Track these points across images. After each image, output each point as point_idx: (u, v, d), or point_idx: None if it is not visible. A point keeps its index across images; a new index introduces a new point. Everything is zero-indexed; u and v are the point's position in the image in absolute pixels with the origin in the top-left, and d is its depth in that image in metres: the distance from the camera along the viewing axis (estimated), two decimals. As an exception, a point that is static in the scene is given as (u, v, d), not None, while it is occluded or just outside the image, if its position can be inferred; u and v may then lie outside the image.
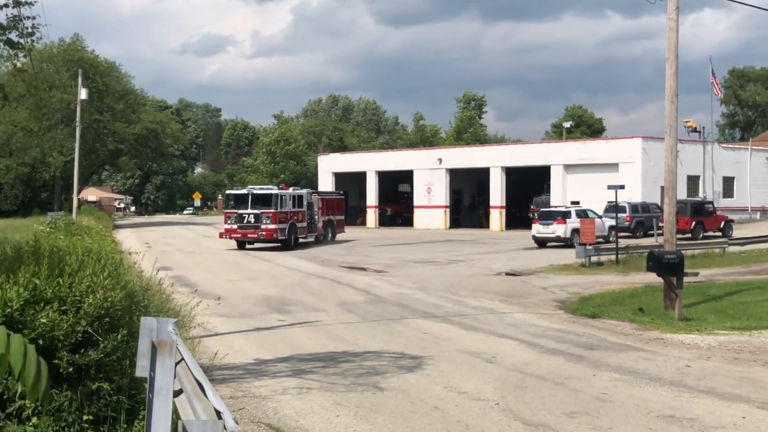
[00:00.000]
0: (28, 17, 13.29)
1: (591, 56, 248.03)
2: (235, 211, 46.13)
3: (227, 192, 51.83)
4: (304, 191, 50.55)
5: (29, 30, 13.23)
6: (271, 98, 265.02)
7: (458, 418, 10.73)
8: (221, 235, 46.23)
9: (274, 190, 47.65)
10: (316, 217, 49.74)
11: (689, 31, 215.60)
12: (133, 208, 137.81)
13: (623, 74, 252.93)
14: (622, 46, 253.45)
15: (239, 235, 45.36)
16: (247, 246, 45.83)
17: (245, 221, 45.09)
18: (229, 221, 46.20)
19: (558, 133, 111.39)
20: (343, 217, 55.14)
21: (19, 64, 15.22)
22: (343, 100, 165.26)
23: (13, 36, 13.19)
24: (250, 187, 52.96)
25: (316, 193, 52.39)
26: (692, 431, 10.22)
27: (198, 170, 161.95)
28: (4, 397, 7.64)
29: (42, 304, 8.24)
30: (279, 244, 45.38)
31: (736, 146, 72.56)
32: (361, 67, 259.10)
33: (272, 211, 44.87)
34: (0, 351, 1.95)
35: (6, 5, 12.99)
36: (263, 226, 44.52)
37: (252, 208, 45.21)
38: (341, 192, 61.18)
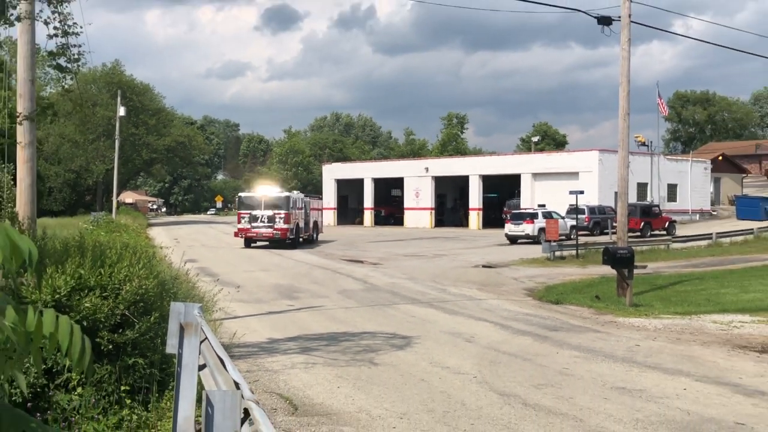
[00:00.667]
0: (75, 45, 13.27)
1: (556, 81, 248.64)
2: (249, 212, 43.27)
3: (240, 194, 47.08)
4: (300, 195, 48.77)
5: (75, 56, 13.20)
6: (283, 115, 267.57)
7: (442, 389, 10.73)
8: (236, 234, 43.84)
9: (287, 193, 45.83)
10: (309, 218, 48.59)
11: (640, 60, 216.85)
12: (163, 209, 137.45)
13: (583, 96, 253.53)
14: (582, 73, 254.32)
15: (254, 234, 42.91)
16: (252, 245, 43.23)
17: (259, 221, 42.63)
18: (243, 221, 43.47)
19: (527, 146, 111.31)
20: (322, 219, 55.14)
21: (66, 86, 15.17)
22: (345, 117, 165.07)
23: (62, 61, 13.17)
24: (262, 189, 49.34)
25: (308, 197, 51.18)
26: (641, 401, 10.22)
27: (219, 177, 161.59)
28: (54, 370, 7.62)
29: (86, 291, 8.24)
30: (288, 242, 42.89)
31: (679, 158, 72.61)
32: (360, 90, 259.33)
33: (285, 212, 42.75)
34: (50, 330, 1.94)
35: (56, 35, 12.96)
36: (277, 226, 42.38)
37: (265, 209, 42.71)
38: (320, 196, 64.26)
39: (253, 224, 42.65)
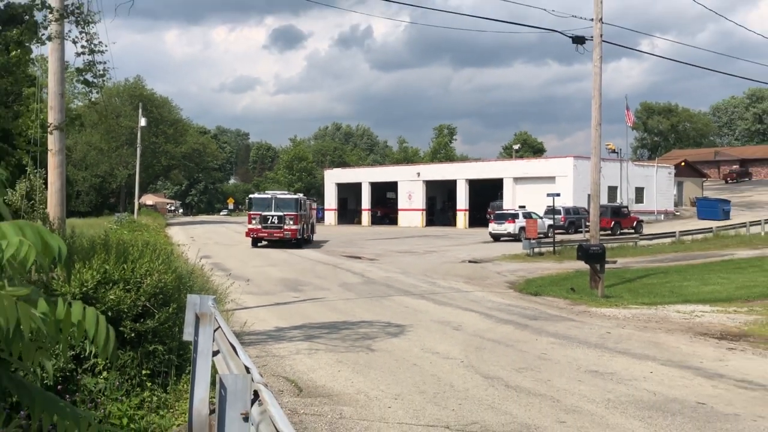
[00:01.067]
0: (100, 62, 13.24)
1: (535, 94, 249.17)
2: (260, 213, 40.87)
3: (251, 196, 43.89)
4: (303, 197, 46.32)
5: (101, 72, 13.17)
6: (289, 125, 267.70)
7: (432, 372, 10.73)
8: (247, 234, 41.69)
9: (296, 195, 43.65)
10: (310, 218, 47.58)
11: (610, 75, 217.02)
12: (180, 210, 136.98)
13: (559, 108, 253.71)
14: (559, 87, 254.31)
15: (265, 234, 40.59)
16: (258, 245, 41.16)
17: (269, 222, 40.41)
18: (253, 222, 41.16)
19: (509, 153, 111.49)
20: (315, 219, 53.76)
21: (92, 99, 15.15)
22: (344, 127, 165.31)
23: (88, 77, 13.14)
24: (272, 192, 47.89)
25: (308, 199, 49.42)
26: (612, 383, 10.23)
27: (231, 181, 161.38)
28: (81, 356, 7.61)
29: (111, 285, 8.23)
30: (294, 242, 40.71)
31: (645, 164, 72.68)
32: (358, 102, 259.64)
33: (295, 213, 40.73)
34: (78, 319, 1.93)
35: (83, 53, 12.94)
36: (286, 227, 40.22)
37: (276, 210, 40.45)
38: (315, 198, 64.34)
39: (264, 225, 40.63)
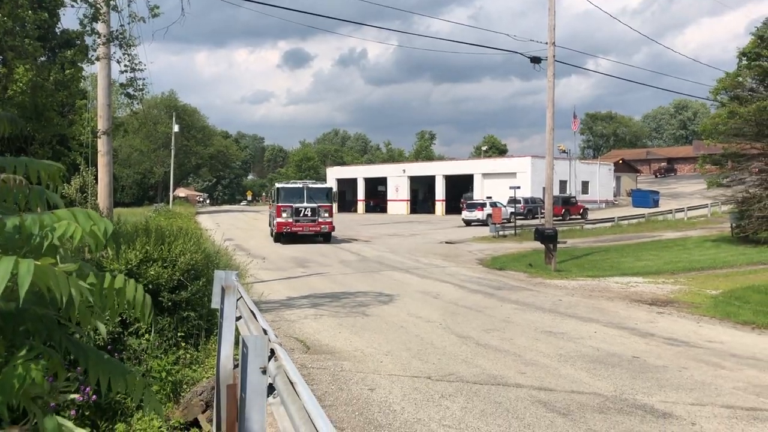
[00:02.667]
0: (140, 79, 13.11)
1: (500, 105, 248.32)
2: (291, 204, 31.01)
3: (278, 186, 32.59)
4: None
5: (140, 87, 13.04)
6: (297, 131, 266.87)
7: (416, 333, 10.72)
8: (278, 229, 30.83)
9: (327, 184, 34.63)
10: None
11: (562, 90, 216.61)
12: (207, 201, 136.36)
13: (520, 116, 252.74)
14: (520, 99, 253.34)
15: (299, 228, 30.80)
16: (281, 240, 31.44)
17: (302, 214, 30.99)
18: (284, 215, 30.88)
19: (478, 153, 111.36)
20: None
21: (134, 109, 15.03)
22: (342, 132, 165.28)
23: (130, 90, 13.02)
24: (303, 181, 37.06)
25: None
26: (563, 341, 10.25)
27: (249, 177, 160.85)
28: (127, 321, 7.56)
29: (151, 262, 8.18)
30: (322, 236, 32.00)
31: (590, 162, 72.70)
32: (354, 112, 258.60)
33: (329, 204, 31.82)
34: (119, 286, 1.90)
35: (125, 71, 12.81)
36: (321, 219, 31.30)
37: (308, 201, 31.16)
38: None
39: (296, 218, 31.06)
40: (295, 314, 12.35)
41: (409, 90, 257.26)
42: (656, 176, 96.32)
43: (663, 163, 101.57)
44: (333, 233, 32.43)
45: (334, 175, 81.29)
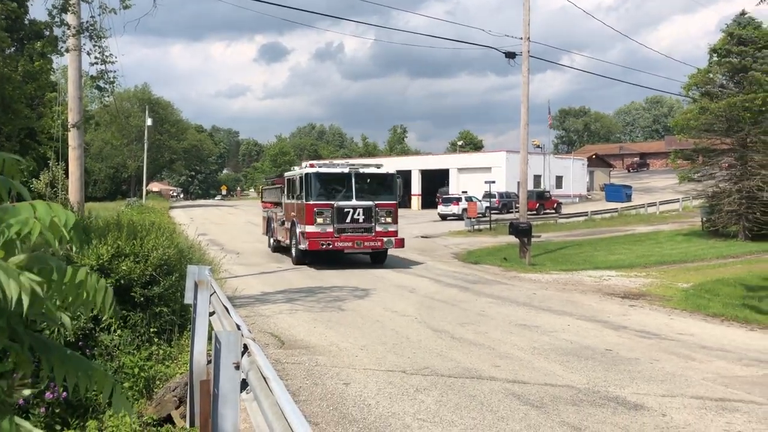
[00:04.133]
0: (111, 71, 12.95)
1: (477, 100, 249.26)
2: (331, 202, 19.03)
3: (308, 171, 19.46)
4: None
5: (111, 79, 12.88)
6: (274, 125, 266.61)
7: (392, 327, 10.73)
8: (311, 245, 18.79)
9: (389, 170, 20.50)
10: None
11: (537, 85, 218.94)
12: (181, 196, 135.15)
13: (496, 111, 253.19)
14: (496, 94, 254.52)
15: (348, 244, 19.11)
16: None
17: (349, 219, 19.10)
18: (318, 220, 18.95)
19: (454, 148, 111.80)
20: None
21: (105, 102, 14.84)
22: (318, 126, 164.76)
23: (101, 83, 12.85)
24: (341, 161, 25.41)
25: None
26: (537, 334, 10.33)
27: (224, 171, 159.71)
28: (99, 317, 7.47)
29: (123, 258, 8.10)
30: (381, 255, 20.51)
31: (564, 156, 73.34)
32: (332, 106, 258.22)
33: (393, 201, 19.88)
34: (81, 279, 1.86)
35: (96, 63, 12.64)
36: (381, 228, 19.38)
37: (358, 198, 19.30)
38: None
39: (340, 225, 19.04)
40: (269, 309, 12.27)
41: (386, 85, 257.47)
42: (629, 171, 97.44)
43: (636, 158, 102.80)
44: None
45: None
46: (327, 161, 19.28)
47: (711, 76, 32.68)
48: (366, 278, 17.21)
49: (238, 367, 4.13)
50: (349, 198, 19.25)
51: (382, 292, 14.77)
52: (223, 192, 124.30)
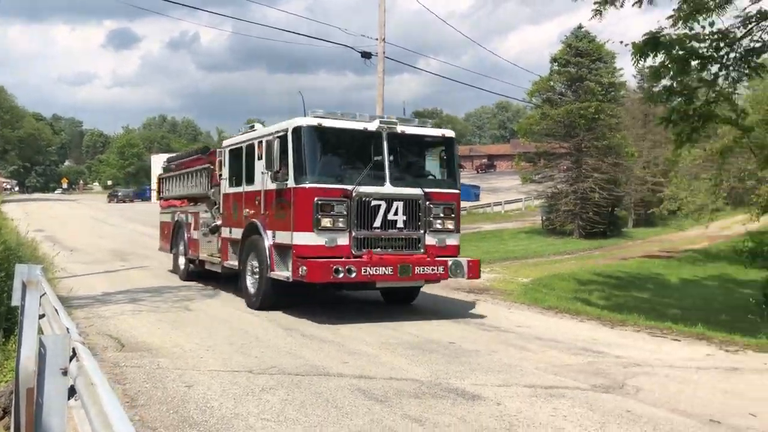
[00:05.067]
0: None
1: (337, 98, 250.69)
2: (344, 187, 10.32)
3: (299, 124, 10.51)
4: None
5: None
6: (123, 115, 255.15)
7: (241, 327, 10.55)
8: (314, 269, 9.90)
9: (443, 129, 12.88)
10: None
11: (395, 87, 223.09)
12: (17, 189, 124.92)
13: (354, 109, 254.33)
14: (355, 93, 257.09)
15: (387, 271, 10.17)
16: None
17: (379, 222, 10.49)
18: (323, 222, 10.20)
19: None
20: None
21: None
22: (171, 119, 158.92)
23: None
24: (379, 116, 11.60)
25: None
26: (386, 329, 10.51)
27: (66, 163, 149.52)
28: None
29: (-62, 256, 7.37)
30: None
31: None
32: (185, 97, 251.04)
33: (456, 191, 12.41)
34: None
35: None
36: (434, 241, 11.23)
37: (394, 182, 10.70)
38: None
39: (365, 233, 10.47)
40: (110, 310, 11.65)
41: (243, 78, 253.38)
42: (478, 172, 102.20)
43: (484, 160, 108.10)
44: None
45: (160, 162, 77.62)
46: (338, 113, 11.15)
47: (552, 84, 35.06)
48: (216, 277, 16.51)
49: (65, 373, 3.90)
50: (380, 181, 10.81)
51: (233, 291, 14.46)
52: (64, 185, 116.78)
